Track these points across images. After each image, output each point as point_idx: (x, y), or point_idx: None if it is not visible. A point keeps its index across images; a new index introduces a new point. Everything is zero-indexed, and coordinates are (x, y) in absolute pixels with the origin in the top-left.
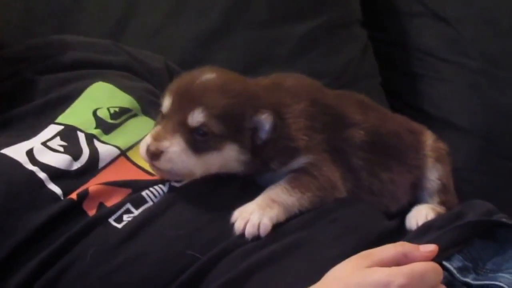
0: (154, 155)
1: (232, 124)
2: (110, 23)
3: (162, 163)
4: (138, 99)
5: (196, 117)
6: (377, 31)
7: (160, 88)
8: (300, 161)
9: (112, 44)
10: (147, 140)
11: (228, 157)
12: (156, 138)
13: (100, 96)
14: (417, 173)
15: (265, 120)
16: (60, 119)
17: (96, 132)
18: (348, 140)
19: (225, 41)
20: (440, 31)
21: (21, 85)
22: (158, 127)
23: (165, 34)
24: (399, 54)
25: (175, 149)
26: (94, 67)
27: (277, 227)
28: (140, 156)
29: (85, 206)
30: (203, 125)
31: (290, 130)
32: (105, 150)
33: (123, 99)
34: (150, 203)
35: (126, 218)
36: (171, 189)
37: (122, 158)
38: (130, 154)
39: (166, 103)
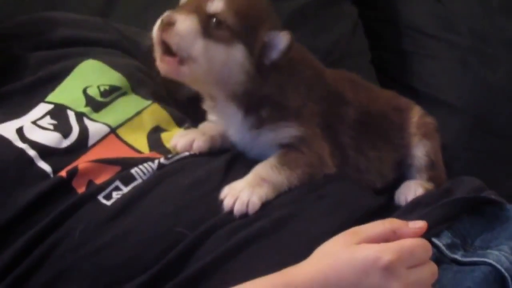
0: (166, 24)
1: (248, 25)
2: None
3: (171, 34)
4: (128, 76)
5: (216, 5)
6: (367, 8)
7: (149, 65)
8: (291, 132)
9: (102, 21)
10: (163, 15)
11: (233, 57)
12: (172, 12)
13: (90, 74)
14: (403, 152)
15: (282, 38)
16: (50, 97)
17: (85, 110)
18: (340, 117)
19: None
20: (429, 8)
21: (11, 62)
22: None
23: (154, 10)
24: (389, 31)
25: (188, 22)
26: (83, 45)
27: (266, 203)
28: (129, 133)
29: (74, 183)
30: (220, 14)
31: (288, 90)
32: (94, 128)
33: (113, 77)
34: (139, 180)
35: (115, 195)
36: (160, 166)
37: (112, 136)
38: (119, 131)
39: None
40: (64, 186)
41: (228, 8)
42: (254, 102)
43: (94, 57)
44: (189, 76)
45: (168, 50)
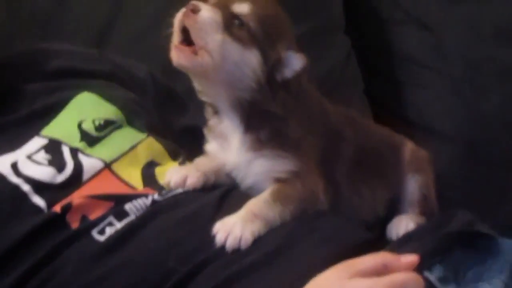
0: (191, 10)
1: (268, 35)
2: (95, 27)
3: (193, 20)
4: (123, 109)
5: (242, 7)
6: (360, 38)
7: (144, 97)
8: (288, 166)
9: (97, 52)
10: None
11: (247, 60)
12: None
13: (85, 108)
14: (396, 190)
15: (298, 59)
16: (45, 131)
17: (80, 145)
18: (337, 155)
19: None
20: (422, 38)
21: (6, 93)
22: None
23: (150, 38)
24: (381, 61)
25: (212, 14)
26: (79, 77)
27: (258, 238)
28: (124, 168)
29: (68, 218)
30: (245, 16)
31: (292, 118)
32: (89, 163)
33: (108, 110)
34: (133, 216)
35: (109, 230)
36: (154, 203)
37: (106, 171)
38: (114, 166)
39: None
40: (58, 221)
41: (254, 13)
42: (256, 119)
43: (89, 89)
44: (201, 67)
45: (185, 40)
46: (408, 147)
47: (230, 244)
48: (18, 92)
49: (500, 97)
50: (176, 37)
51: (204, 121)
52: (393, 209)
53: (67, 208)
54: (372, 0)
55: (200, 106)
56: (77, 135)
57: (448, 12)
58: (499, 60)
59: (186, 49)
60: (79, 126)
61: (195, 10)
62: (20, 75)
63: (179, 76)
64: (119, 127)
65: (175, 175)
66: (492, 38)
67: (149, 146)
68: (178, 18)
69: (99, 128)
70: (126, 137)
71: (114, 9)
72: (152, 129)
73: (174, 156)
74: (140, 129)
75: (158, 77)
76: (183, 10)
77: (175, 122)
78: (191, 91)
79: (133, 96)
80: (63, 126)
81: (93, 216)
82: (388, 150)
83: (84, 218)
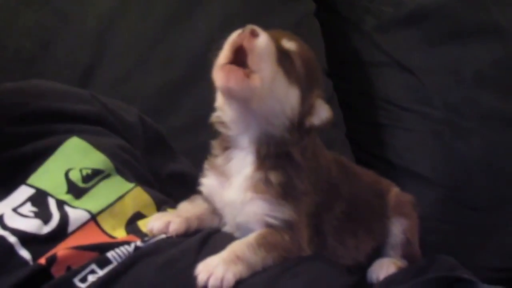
0: (252, 33)
1: (308, 78)
2: (78, 71)
3: (253, 43)
4: (112, 157)
5: (291, 44)
6: (342, 81)
7: (133, 141)
8: (283, 214)
9: (88, 94)
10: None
11: (289, 97)
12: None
13: (73, 155)
14: (381, 240)
15: (327, 110)
16: (31, 180)
17: (67, 198)
18: (330, 209)
19: (191, 90)
20: (403, 81)
21: None
22: None
23: (131, 82)
24: (363, 104)
25: (271, 41)
26: (70, 120)
27: (240, 281)
28: (109, 221)
29: (53, 270)
30: (293, 53)
31: (304, 172)
32: (75, 215)
33: (96, 159)
34: (115, 263)
35: (91, 278)
36: (136, 248)
37: (92, 223)
38: (99, 218)
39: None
40: (44, 273)
41: (300, 54)
42: (272, 159)
43: (79, 135)
44: (249, 92)
45: (233, 62)
46: (393, 192)
47: (212, 285)
48: (6, 134)
49: (480, 140)
50: (223, 57)
51: (190, 167)
52: (376, 252)
53: (52, 260)
54: (353, 43)
55: (184, 151)
56: (64, 186)
57: (429, 55)
58: (479, 103)
59: (239, 70)
60: (66, 175)
61: (254, 34)
62: (8, 117)
63: (160, 119)
64: (107, 176)
65: (157, 222)
66: (472, 81)
67: (137, 196)
68: (233, 38)
69: (86, 178)
70: (113, 187)
71: (96, 53)
72: (140, 178)
73: (160, 206)
74: (129, 178)
75: (148, 120)
76: (239, 31)
77: (163, 166)
78: (174, 134)
79: (122, 142)
80: (50, 175)
81: (77, 266)
82: (375, 198)
83: (69, 268)
